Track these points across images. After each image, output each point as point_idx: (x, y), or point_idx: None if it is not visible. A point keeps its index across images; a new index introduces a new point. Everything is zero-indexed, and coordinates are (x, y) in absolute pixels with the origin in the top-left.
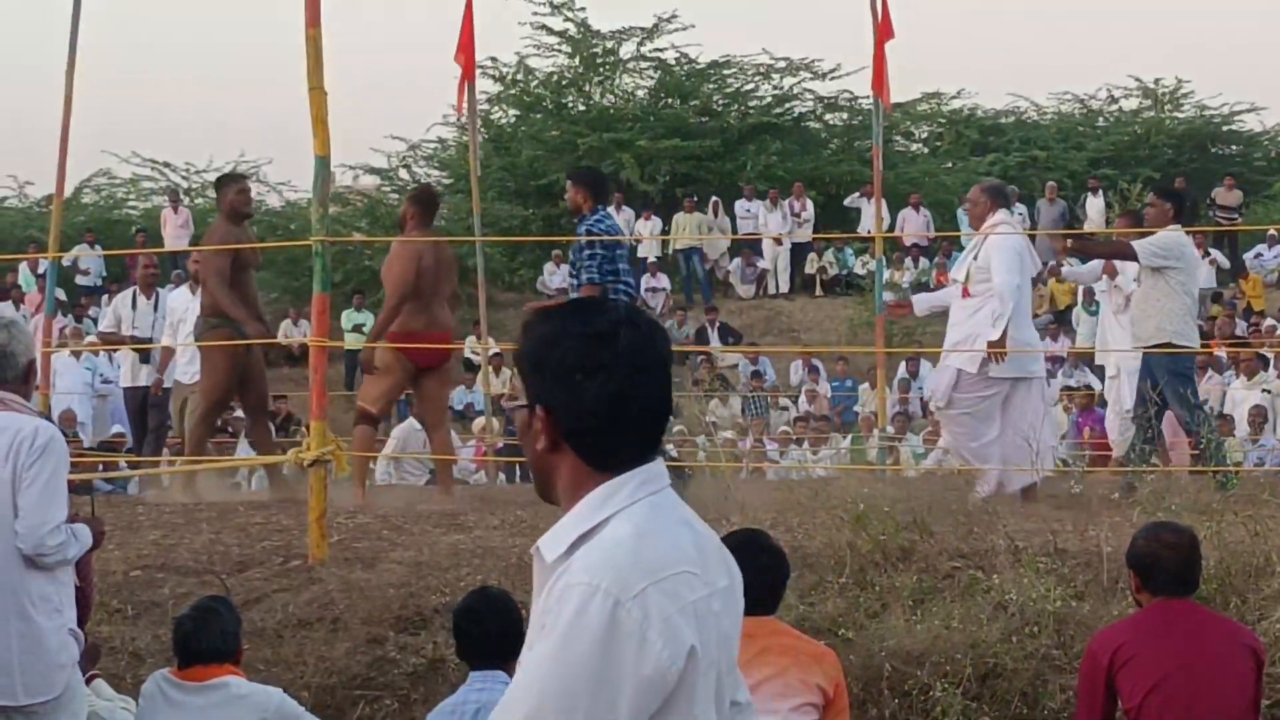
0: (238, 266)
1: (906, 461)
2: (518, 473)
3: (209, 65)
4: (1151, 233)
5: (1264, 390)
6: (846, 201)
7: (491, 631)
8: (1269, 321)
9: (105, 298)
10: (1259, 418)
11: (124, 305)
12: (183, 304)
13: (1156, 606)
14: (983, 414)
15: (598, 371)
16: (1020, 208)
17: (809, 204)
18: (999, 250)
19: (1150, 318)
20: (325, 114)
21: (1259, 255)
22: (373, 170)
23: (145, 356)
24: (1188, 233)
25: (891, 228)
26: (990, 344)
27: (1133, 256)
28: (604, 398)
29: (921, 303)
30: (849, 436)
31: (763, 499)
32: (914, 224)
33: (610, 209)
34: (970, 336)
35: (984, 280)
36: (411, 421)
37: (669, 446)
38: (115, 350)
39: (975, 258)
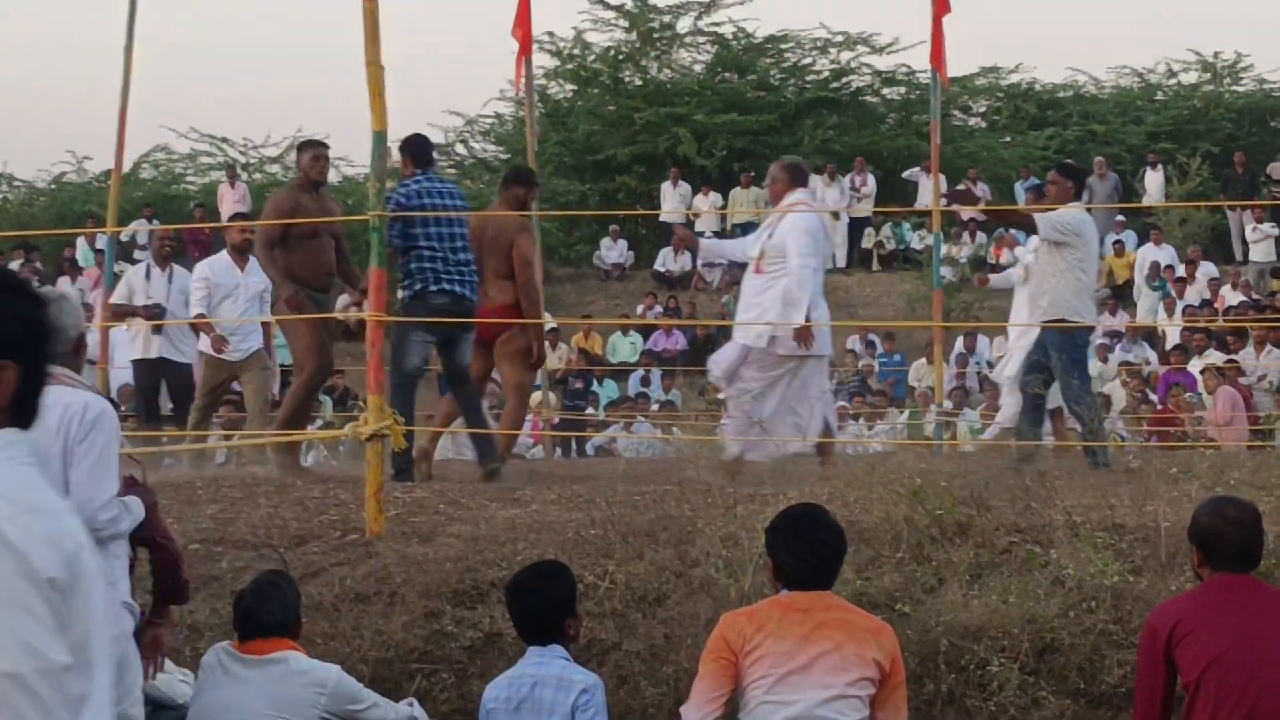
0: (303, 233)
1: (963, 436)
2: (574, 447)
3: (268, 39)
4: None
5: None
6: (905, 175)
7: (547, 605)
8: None
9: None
10: None
11: (137, 277)
12: (230, 279)
13: (1217, 581)
14: (765, 390)
15: None
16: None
17: (870, 179)
18: (793, 231)
19: (1045, 294)
20: (382, 89)
21: None
22: None
23: (158, 329)
24: (1243, 207)
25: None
26: (796, 331)
27: (1032, 227)
28: None
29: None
30: (905, 412)
31: (819, 473)
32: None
33: (432, 173)
34: (760, 314)
35: (777, 259)
36: None
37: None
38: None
39: (770, 236)
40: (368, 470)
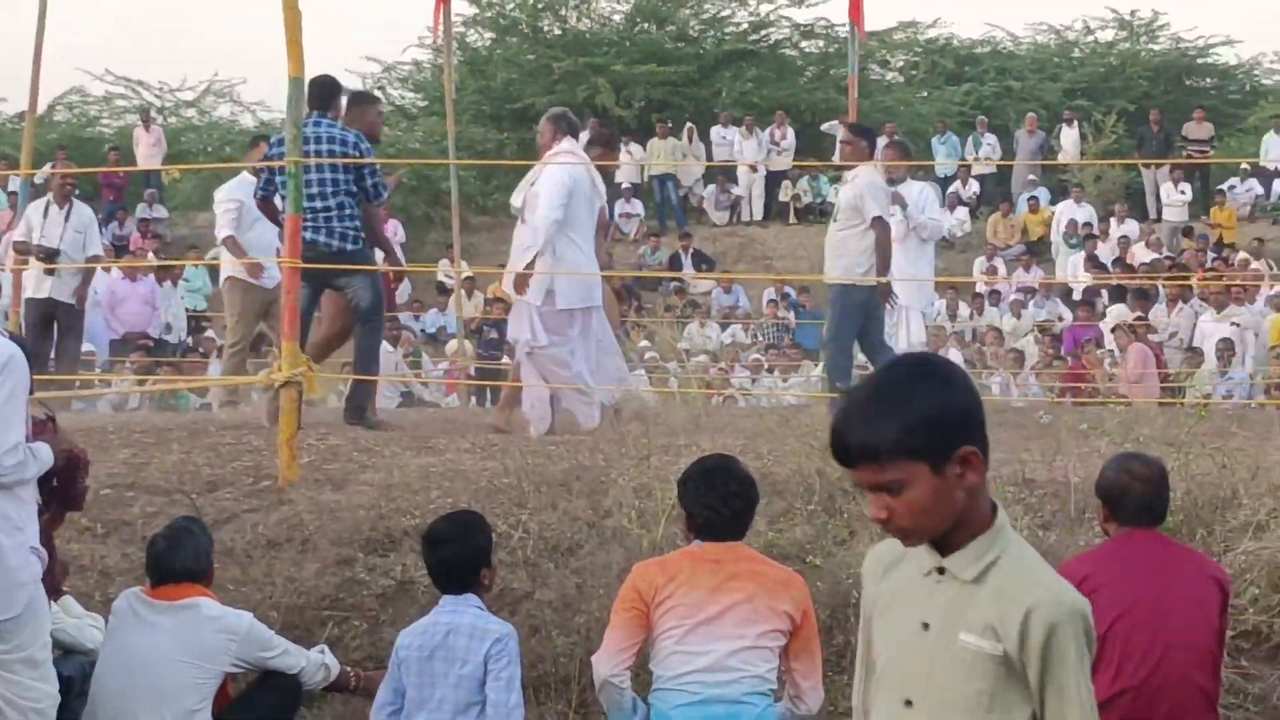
0: None
1: None
2: (488, 396)
3: None
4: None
5: (1233, 323)
6: (824, 128)
7: (461, 554)
8: (1241, 255)
9: None
10: (1227, 351)
11: (35, 214)
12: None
13: (1124, 537)
14: (569, 347)
15: None
16: (992, 137)
17: (789, 132)
18: (548, 181)
19: (842, 256)
20: (300, 35)
21: (1232, 188)
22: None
23: (51, 269)
24: (1157, 165)
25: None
26: (517, 275)
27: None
28: None
29: None
30: (820, 365)
31: (733, 425)
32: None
33: (321, 117)
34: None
35: (535, 209)
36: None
37: (640, 371)
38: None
39: (531, 186)
40: (280, 416)
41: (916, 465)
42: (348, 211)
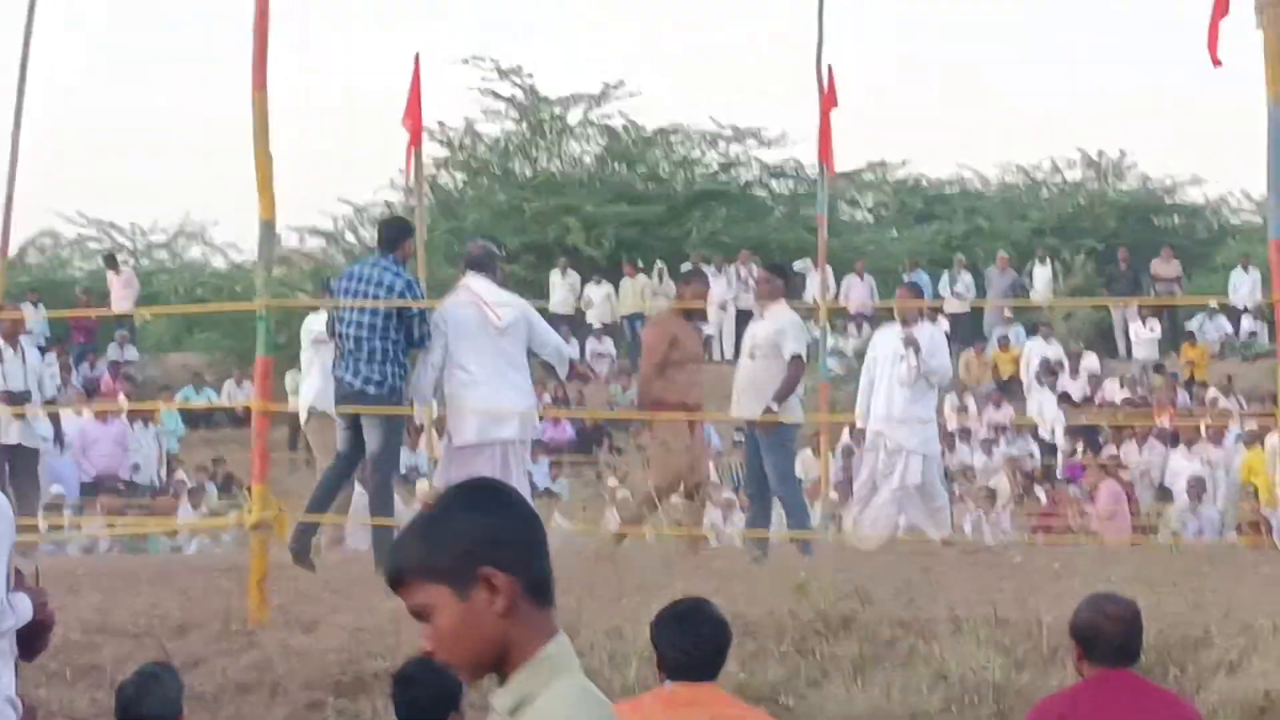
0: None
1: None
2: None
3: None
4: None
5: (1203, 460)
6: (795, 266)
7: (428, 698)
8: (1211, 392)
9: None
10: (1197, 488)
11: None
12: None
13: (1098, 677)
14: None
15: None
16: (967, 277)
17: (755, 270)
18: (439, 315)
19: (760, 393)
20: (270, 178)
21: (1200, 327)
22: (319, 233)
23: (20, 413)
24: (1126, 303)
25: (837, 295)
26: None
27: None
28: None
29: None
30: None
31: (705, 566)
32: (858, 291)
33: (381, 258)
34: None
35: None
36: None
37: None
38: None
39: None
40: (251, 559)
41: (437, 588)
42: (378, 356)
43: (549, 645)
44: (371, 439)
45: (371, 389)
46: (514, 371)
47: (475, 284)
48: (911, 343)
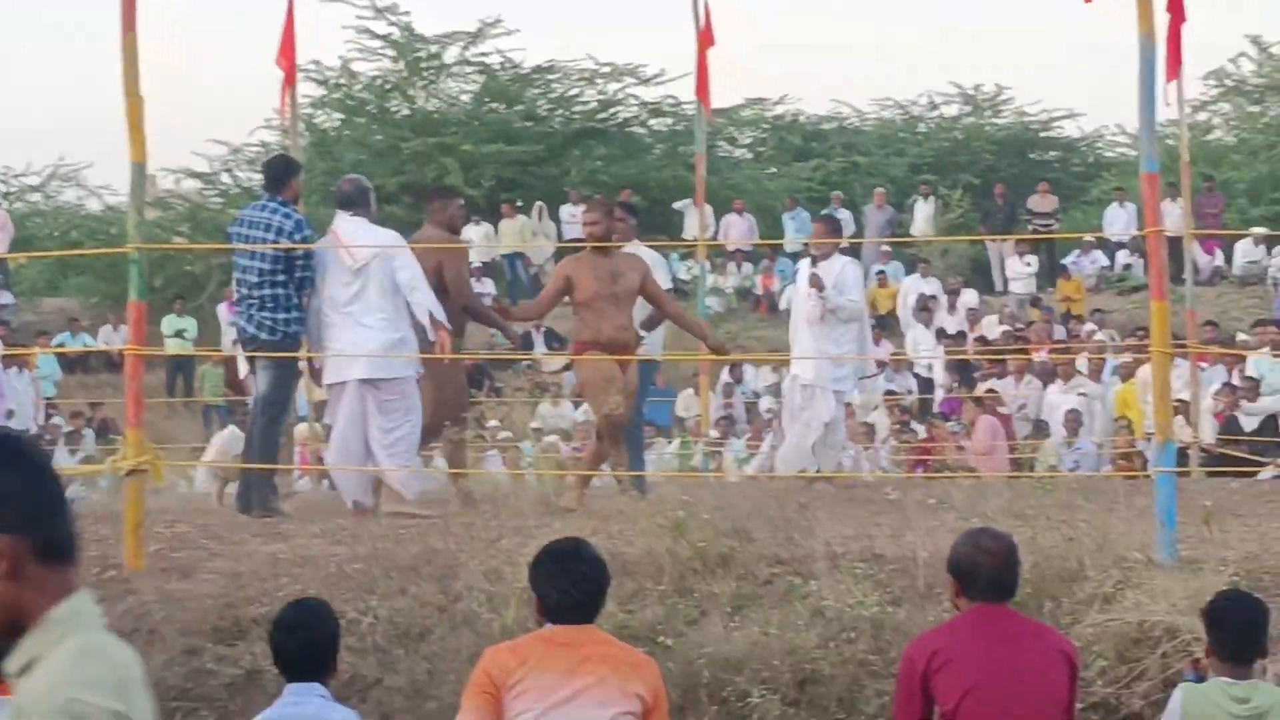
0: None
1: (730, 466)
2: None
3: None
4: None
5: (1080, 394)
6: (675, 205)
7: (308, 643)
8: (1088, 326)
9: None
10: (1074, 422)
11: None
12: None
13: (973, 612)
14: (335, 425)
15: None
16: (845, 213)
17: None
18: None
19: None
20: (142, 120)
21: (1076, 262)
22: (194, 174)
23: None
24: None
25: (716, 233)
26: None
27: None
28: None
29: None
30: (675, 442)
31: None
32: (738, 229)
33: (269, 199)
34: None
35: None
36: (232, 429)
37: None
38: None
39: None
40: (126, 505)
41: None
42: (269, 303)
43: (60, 606)
44: (260, 382)
45: (265, 334)
46: (369, 313)
47: (341, 223)
48: (815, 281)
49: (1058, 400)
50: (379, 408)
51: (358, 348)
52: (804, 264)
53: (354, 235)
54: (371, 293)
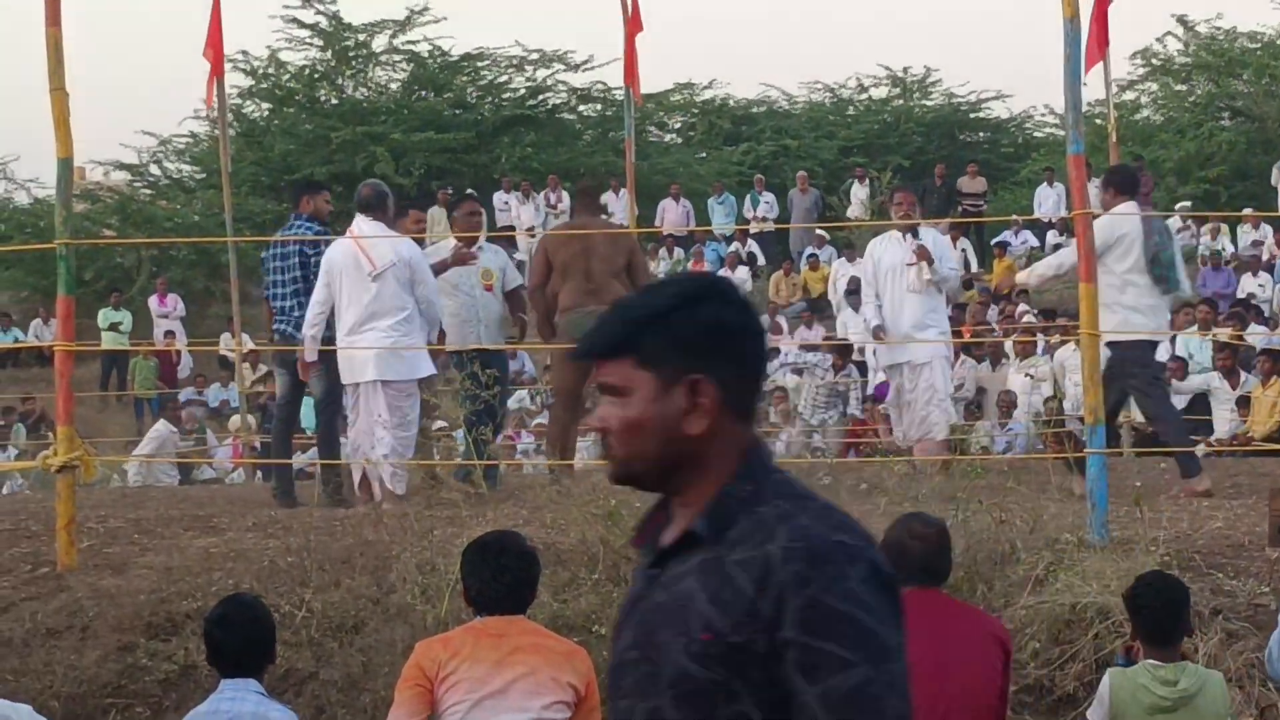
0: None
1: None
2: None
3: None
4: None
5: (1028, 375)
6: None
7: (242, 639)
8: (1021, 307)
9: None
10: (1007, 403)
11: None
12: None
13: (907, 596)
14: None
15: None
16: (770, 196)
17: (565, 195)
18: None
19: None
20: (67, 115)
21: (1005, 243)
22: (123, 166)
23: None
24: (934, 222)
25: (651, 218)
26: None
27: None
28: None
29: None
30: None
31: (516, 496)
32: (674, 214)
33: (301, 218)
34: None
35: None
36: (164, 422)
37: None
38: None
39: None
40: (58, 502)
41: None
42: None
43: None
44: (315, 387)
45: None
46: (384, 317)
47: (361, 226)
48: (924, 252)
49: (990, 382)
50: (387, 406)
51: (363, 353)
52: (885, 239)
53: (372, 242)
54: (390, 298)
